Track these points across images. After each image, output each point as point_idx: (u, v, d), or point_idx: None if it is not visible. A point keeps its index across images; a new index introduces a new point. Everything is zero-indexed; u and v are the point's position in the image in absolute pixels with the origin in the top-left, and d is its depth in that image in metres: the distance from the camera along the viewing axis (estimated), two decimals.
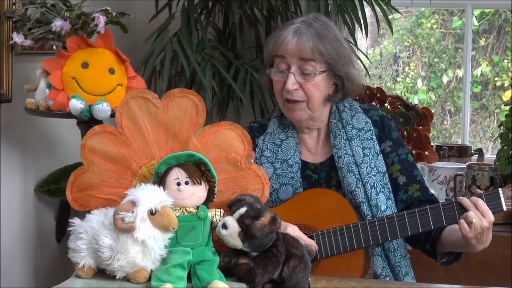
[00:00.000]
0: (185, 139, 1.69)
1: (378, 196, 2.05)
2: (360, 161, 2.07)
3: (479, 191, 1.98)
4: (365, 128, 2.11)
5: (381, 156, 2.10)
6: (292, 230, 1.92)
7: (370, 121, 2.12)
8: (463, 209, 1.93)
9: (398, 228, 1.96)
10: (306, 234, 1.95)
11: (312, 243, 1.91)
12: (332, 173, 2.12)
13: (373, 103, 3.10)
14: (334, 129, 2.12)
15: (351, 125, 2.11)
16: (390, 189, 2.10)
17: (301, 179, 2.10)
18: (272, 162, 2.12)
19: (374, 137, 2.10)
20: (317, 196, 2.06)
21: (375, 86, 3.32)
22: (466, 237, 1.90)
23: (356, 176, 2.06)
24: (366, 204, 2.04)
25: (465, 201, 1.92)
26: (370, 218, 2.02)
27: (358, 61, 2.91)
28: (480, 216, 1.90)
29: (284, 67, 2.06)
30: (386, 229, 1.96)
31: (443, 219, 1.95)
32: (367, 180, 2.06)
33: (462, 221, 1.90)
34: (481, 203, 1.91)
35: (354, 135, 2.10)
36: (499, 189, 1.95)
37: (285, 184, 2.09)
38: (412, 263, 2.14)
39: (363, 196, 2.05)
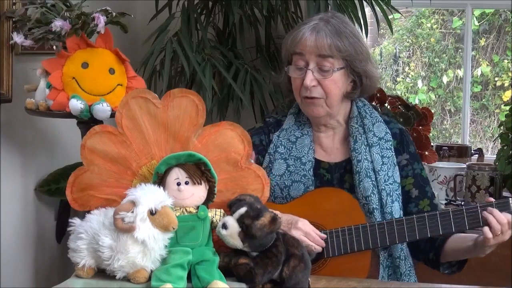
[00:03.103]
0: (185, 139, 1.69)
1: (393, 205, 2.06)
2: (379, 168, 2.08)
3: (490, 199, 1.98)
4: (385, 138, 2.12)
5: (397, 167, 2.11)
6: (303, 224, 1.92)
7: (390, 132, 2.13)
8: (473, 216, 1.93)
9: (406, 231, 1.96)
10: None
11: (318, 241, 1.92)
12: (346, 176, 2.12)
13: (373, 103, 3.10)
14: (355, 133, 2.12)
15: (372, 132, 2.11)
16: (401, 200, 2.10)
17: (313, 177, 2.11)
18: (286, 158, 2.12)
19: (392, 148, 2.12)
20: (328, 195, 2.06)
21: None
22: (486, 245, 1.93)
23: (373, 182, 2.06)
24: (380, 211, 2.05)
25: (498, 215, 1.92)
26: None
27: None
28: (507, 228, 1.92)
29: (302, 64, 2.07)
30: (394, 232, 1.97)
31: (452, 226, 1.95)
32: (383, 188, 2.06)
33: (490, 234, 1.91)
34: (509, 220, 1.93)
35: (375, 142, 2.10)
36: (510, 198, 1.96)
37: (297, 181, 2.09)
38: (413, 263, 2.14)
39: (377, 203, 2.05)
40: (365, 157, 2.09)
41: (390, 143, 2.12)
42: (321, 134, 2.16)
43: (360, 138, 2.11)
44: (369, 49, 2.14)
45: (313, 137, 2.15)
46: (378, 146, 2.10)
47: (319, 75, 2.05)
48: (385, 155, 2.10)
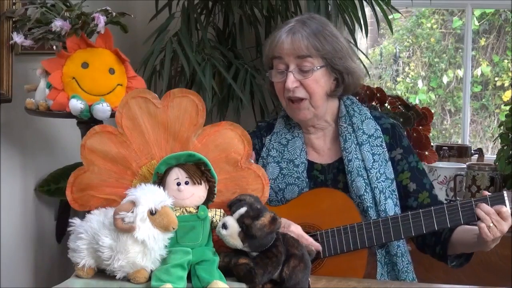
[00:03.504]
0: (185, 139, 1.69)
1: (386, 202, 2.06)
2: (370, 166, 2.07)
3: (485, 192, 1.98)
4: (374, 135, 2.11)
5: (389, 163, 2.11)
6: (296, 228, 1.92)
7: (380, 129, 2.13)
8: (468, 211, 1.93)
9: (402, 228, 1.96)
10: (310, 232, 1.96)
11: (313, 243, 1.91)
12: (340, 176, 2.12)
13: (373, 103, 3.10)
14: (344, 133, 2.12)
15: (361, 130, 2.11)
16: (397, 196, 2.10)
17: (307, 179, 2.10)
18: (278, 161, 2.12)
19: (383, 144, 2.11)
20: (323, 196, 2.06)
21: (375, 86, 3.32)
22: (485, 240, 1.92)
23: (365, 180, 2.06)
24: (374, 209, 2.05)
25: (485, 207, 1.92)
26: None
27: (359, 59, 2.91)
28: (498, 219, 1.91)
29: (282, 67, 2.07)
30: (390, 229, 1.97)
31: (447, 221, 1.96)
32: (376, 185, 2.06)
33: (483, 225, 1.90)
34: (505, 210, 1.91)
35: (364, 140, 2.10)
36: (504, 191, 1.96)
37: (291, 184, 2.09)
38: (412, 263, 2.14)
39: (371, 201, 2.05)
40: (355, 156, 2.08)
41: (381, 139, 2.11)
42: (311, 136, 2.16)
43: (349, 137, 2.11)
44: (350, 47, 2.14)
45: (304, 139, 2.15)
46: (368, 144, 2.10)
47: (300, 76, 2.05)
48: (375, 152, 2.10)
